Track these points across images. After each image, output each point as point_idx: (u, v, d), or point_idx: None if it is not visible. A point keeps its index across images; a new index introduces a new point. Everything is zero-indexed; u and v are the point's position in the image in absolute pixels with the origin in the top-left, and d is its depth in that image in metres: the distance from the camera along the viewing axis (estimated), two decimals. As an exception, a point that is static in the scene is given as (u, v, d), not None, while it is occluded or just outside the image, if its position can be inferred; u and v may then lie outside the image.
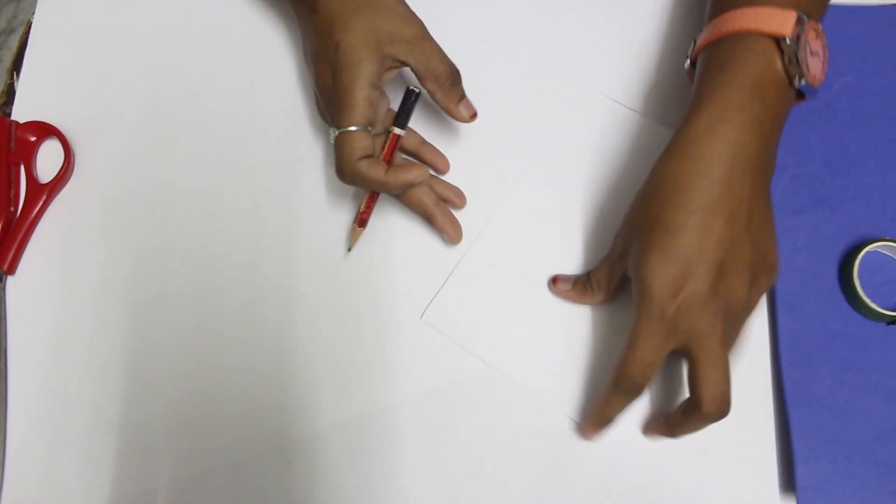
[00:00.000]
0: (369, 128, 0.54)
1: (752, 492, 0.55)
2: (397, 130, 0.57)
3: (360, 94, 0.53)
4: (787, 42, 0.49)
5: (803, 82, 0.51)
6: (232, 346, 0.58)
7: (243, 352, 0.58)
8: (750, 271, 0.48)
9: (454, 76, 0.56)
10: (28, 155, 0.63)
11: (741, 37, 0.51)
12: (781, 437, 0.56)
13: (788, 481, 0.54)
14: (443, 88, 0.56)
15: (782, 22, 0.50)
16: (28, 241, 0.61)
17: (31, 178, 0.63)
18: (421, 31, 0.55)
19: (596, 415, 0.53)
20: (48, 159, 0.64)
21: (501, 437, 0.56)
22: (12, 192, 0.62)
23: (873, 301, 0.56)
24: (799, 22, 0.50)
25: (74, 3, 0.69)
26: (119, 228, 0.61)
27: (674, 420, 0.51)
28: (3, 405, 0.57)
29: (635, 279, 0.49)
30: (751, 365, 0.57)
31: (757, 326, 0.58)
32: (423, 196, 0.57)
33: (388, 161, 0.57)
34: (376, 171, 0.54)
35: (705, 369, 0.47)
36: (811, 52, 0.51)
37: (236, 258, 0.60)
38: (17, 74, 0.66)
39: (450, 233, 0.59)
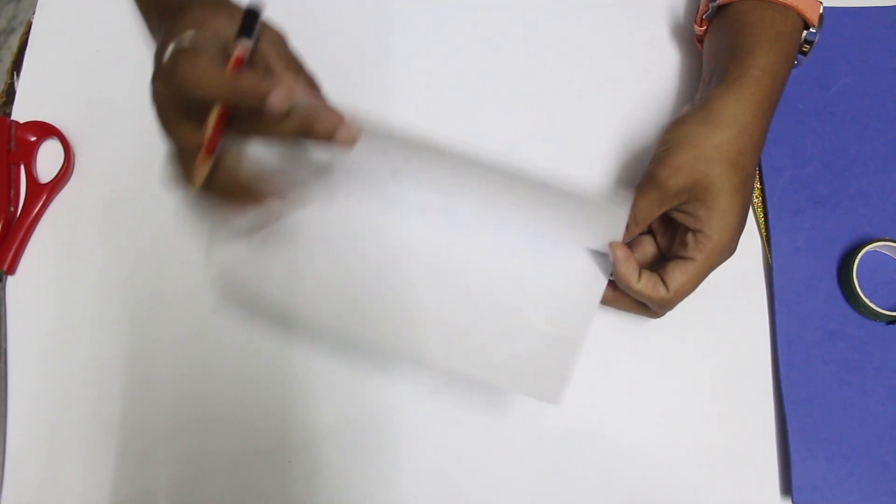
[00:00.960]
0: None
1: (753, 492, 0.55)
2: (243, 42, 0.46)
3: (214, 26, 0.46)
4: (815, 31, 0.57)
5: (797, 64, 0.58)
6: (232, 346, 0.58)
7: (243, 352, 0.58)
8: None
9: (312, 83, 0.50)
10: (28, 155, 0.63)
11: (785, 9, 0.56)
12: (782, 437, 0.56)
13: (789, 482, 0.54)
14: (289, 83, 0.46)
15: (815, 10, 0.57)
16: (28, 241, 0.61)
17: (31, 178, 0.63)
18: (283, 37, 0.50)
19: (606, 296, 0.54)
20: (48, 159, 0.64)
21: (501, 436, 0.56)
22: (12, 192, 0.62)
23: (872, 301, 0.56)
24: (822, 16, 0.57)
25: (74, 3, 0.69)
26: (119, 228, 0.61)
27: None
28: (3, 405, 0.57)
29: (718, 217, 0.52)
30: (752, 366, 0.58)
31: (757, 327, 0.58)
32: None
33: None
34: (220, 72, 0.44)
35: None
36: None
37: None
38: (18, 74, 0.66)
39: (343, 132, 0.46)
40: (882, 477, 0.54)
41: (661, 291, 0.52)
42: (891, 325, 0.57)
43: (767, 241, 0.60)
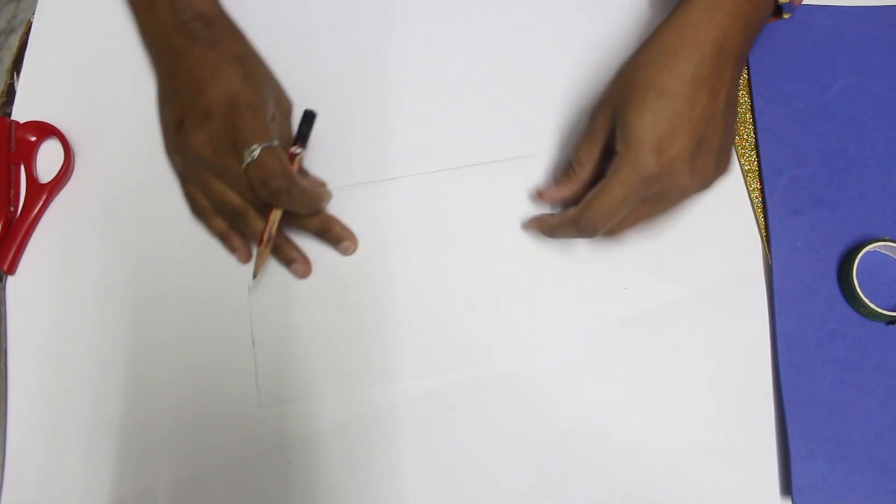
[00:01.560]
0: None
1: (753, 493, 0.55)
2: (297, 150, 0.57)
3: (268, 113, 0.55)
4: None
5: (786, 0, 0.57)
6: (232, 345, 0.58)
7: (243, 351, 0.58)
8: (718, 152, 0.53)
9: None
10: (28, 155, 0.63)
11: None
12: (782, 438, 0.56)
13: (789, 482, 0.54)
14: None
15: None
16: (28, 241, 0.61)
17: (31, 178, 0.63)
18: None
19: (545, 226, 0.58)
20: (48, 159, 0.64)
21: (501, 436, 0.56)
22: (12, 192, 0.62)
23: (872, 301, 0.56)
24: None
25: (74, 3, 0.69)
26: (119, 228, 0.61)
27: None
28: (3, 405, 0.57)
29: (624, 135, 0.52)
30: (751, 366, 0.57)
31: (757, 327, 0.58)
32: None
33: None
34: (301, 180, 0.55)
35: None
36: None
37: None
38: (18, 74, 0.66)
39: (344, 246, 0.60)
40: (882, 477, 0.54)
41: (570, 212, 0.55)
42: (891, 326, 0.57)
43: (767, 241, 0.60)
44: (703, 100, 0.52)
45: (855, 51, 0.66)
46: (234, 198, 0.56)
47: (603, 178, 0.53)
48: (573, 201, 0.56)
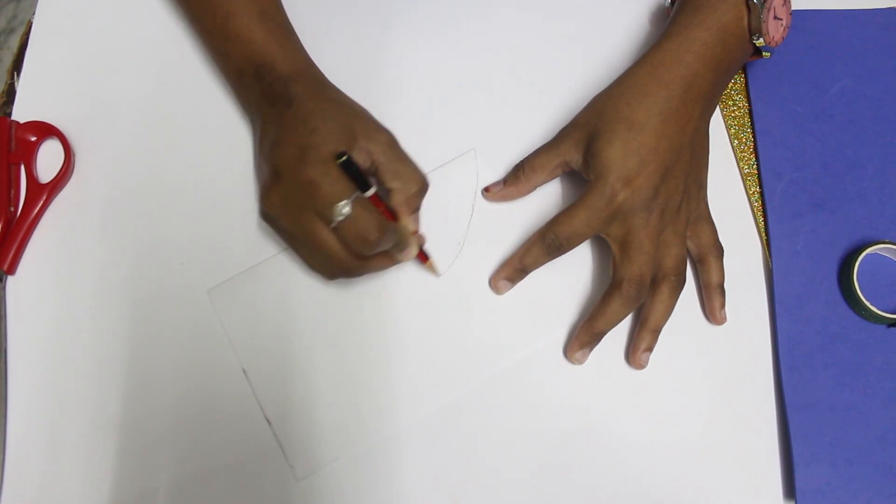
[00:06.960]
0: None
1: (756, 496, 0.55)
2: (369, 192, 0.52)
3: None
4: (755, 1, 0.57)
5: (762, 41, 0.58)
6: (232, 346, 0.58)
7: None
8: (685, 179, 0.56)
9: (424, 185, 0.55)
10: (28, 155, 0.63)
11: None
12: (784, 441, 0.56)
13: (792, 486, 0.54)
14: (408, 193, 0.54)
15: None
16: (28, 241, 0.61)
17: (32, 178, 0.63)
18: (394, 139, 0.54)
19: (513, 262, 0.58)
20: (48, 159, 0.64)
21: (501, 436, 0.56)
22: (12, 192, 0.62)
23: (873, 303, 0.57)
24: None
25: (74, 3, 0.69)
26: (119, 228, 0.61)
27: (596, 310, 0.56)
28: (3, 405, 0.56)
29: (594, 162, 0.55)
30: (753, 369, 0.58)
31: (758, 330, 0.59)
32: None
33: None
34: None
35: (630, 252, 0.55)
36: (775, 16, 0.59)
37: (237, 258, 0.60)
38: (18, 74, 0.66)
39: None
40: (886, 480, 0.54)
41: (539, 229, 0.57)
42: (892, 328, 0.58)
43: (767, 244, 0.60)
44: (670, 132, 0.55)
45: (852, 53, 0.67)
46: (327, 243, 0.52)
47: (575, 202, 0.55)
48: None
